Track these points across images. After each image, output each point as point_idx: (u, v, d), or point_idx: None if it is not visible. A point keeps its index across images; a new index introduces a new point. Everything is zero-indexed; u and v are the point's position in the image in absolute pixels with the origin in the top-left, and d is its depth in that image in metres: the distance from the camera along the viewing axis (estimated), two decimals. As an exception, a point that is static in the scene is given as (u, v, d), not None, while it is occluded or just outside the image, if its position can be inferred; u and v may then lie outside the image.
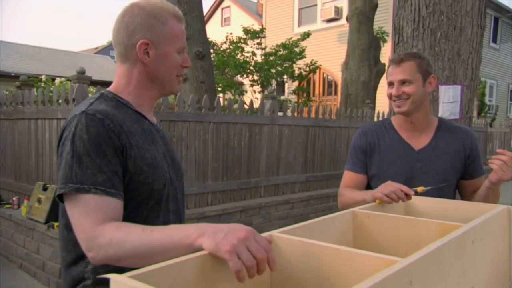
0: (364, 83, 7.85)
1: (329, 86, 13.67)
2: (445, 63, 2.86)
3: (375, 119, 6.35)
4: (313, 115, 5.31)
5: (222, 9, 19.29)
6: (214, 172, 4.28)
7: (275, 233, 0.91)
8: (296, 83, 12.09)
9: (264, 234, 0.91)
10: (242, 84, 10.60)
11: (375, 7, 8.04)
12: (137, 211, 0.97)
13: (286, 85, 12.16)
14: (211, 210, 4.11)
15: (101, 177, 0.88)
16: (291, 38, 10.44)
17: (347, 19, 8.49)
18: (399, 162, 1.54)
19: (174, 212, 1.07)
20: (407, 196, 1.29)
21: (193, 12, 5.10)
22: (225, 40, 9.49)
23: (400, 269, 0.67)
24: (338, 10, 12.96)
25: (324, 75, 13.68)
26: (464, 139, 1.56)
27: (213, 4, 19.41)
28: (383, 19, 11.26)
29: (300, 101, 10.52)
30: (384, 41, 9.73)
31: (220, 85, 8.61)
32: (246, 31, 9.38)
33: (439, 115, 2.92)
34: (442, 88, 2.92)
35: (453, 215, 1.29)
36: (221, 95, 9.32)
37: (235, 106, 4.57)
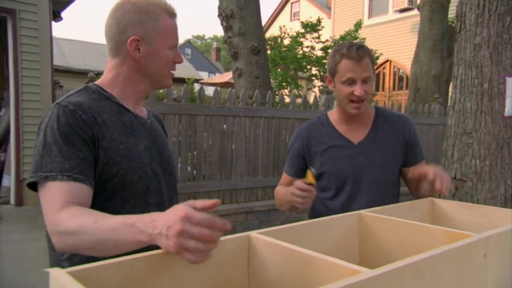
0: (436, 76, 7.29)
1: (400, 80, 12.94)
2: (515, 52, 2.54)
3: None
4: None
5: (291, 3, 19.17)
6: (265, 167, 4.26)
7: (253, 233, 0.87)
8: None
9: (242, 234, 0.87)
10: (306, 79, 10.43)
11: (450, -6, 7.42)
12: (111, 201, 0.98)
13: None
14: (260, 205, 4.12)
15: (69, 164, 0.90)
16: (349, 31, 9.98)
17: (418, 9, 7.94)
18: (340, 159, 1.49)
19: (157, 206, 1.05)
20: (309, 191, 1.24)
21: (249, 6, 5.10)
22: (280, 33, 9.34)
23: (360, 281, 0.60)
24: (412, -1, 12.19)
25: (395, 69, 12.98)
26: (403, 127, 1.51)
27: (282, -1, 19.37)
28: (462, 7, 10.32)
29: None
30: (461, 30, 8.93)
31: (277, 80, 8.53)
32: (304, 25, 9.17)
33: (506, 110, 2.61)
34: (510, 80, 2.59)
35: (484, 223, 1.14)
36: (286, 91, 9.25)
37: (287, 100, 4.51)
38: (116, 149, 0.97)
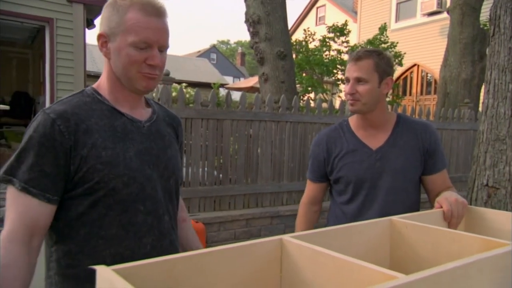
0: (466, 80, 7.10)
1: (428, 84, 12.66)
2: (552, 56, 2.45)
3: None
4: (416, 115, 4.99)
5: (317, 8, 19.13)
6: (290, 172, 4.27)
7: (285, 237, 0.89)
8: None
9: (274, 238, 0.89)
10: (331, 83, 10.36)
11: (482, -4, 7.22)
12: (94, 208, 0.97)
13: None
14: (285, 209, 4.12)
15: (29, 175, 0.92)
16: (376, 35, 9.84)
17: (448, 12, 7.77)
18: (358, 164, 1.50)
19: (149, 213, 1.03)
20: None
21: (276, 12, 5.14)
22: (304, 37, 9.29)
23: (396, 286, 0.61)
24: (441, 2, 11.93)
25: (423, 73, 12.72)
26: (422, 134, 1.51)
27: (308, 4, 19.36)
28: (494, 9, 10.03)
29: (393, 99, 9.89)
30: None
31: (303, 84, 8.50)
32: (333, 29, 9.10)
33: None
34: (547, 85, 2.51)
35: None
36: (311, 95, 9.22)
37: (312, 105, 4.50)
38: (98, 157, 0.96)
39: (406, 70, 12.58)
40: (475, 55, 7.16)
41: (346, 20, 9.56)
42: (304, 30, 9.50)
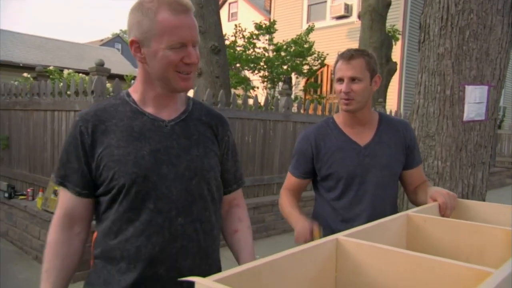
0: (375, 81, 7.78)
1: (337, 83, 13.57)
2: (473, 63, 2.80)
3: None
4: (326, 112, 5.28)
5: (229, 3, 19.20)
6: (229, 168, 4.24)
7: (340, 236, 0.88)
8: (304, 80, 11.99)
9: (330, 238, 0.88)
10: (249, 79, 10.54)
11: (388, 4, 7.96)
12: (110, 204, 1.03)
13: (294, 81, 12.07)
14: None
15: (63, 171, 1.06)
16: (300, 34, 10.32)
17: (359, 17, 8.42)
18: (348, 160, 1.55)
19: (160, 213, 1.01)
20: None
21: (210, 5, 5.03)
22: (234, 32, 9.36)
23: (501, 281, 0.63)
24: (348, 7, 12.85)
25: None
26: (404, 131, 1.60)
27: (220, -1, 19.34)
28: (395, 17, 11.16)
29: (308, 98, 10.42)
30: (396, 39, 9.64)
31: (232, 81, 8.54)
32: (259, 26, 9.27)
33: (465, 116, 2.87)
34: (469, 88, 2.86)
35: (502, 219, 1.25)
36: (237, 91, 9.29)
37: (250, 102, 4.53)
38: (111, 155, 1.01)
39: (317, 70, 13.34)
40: (382, 58, 7.88)
41: (274, 20, 9.79)
42: (235, 25, 9.50)
